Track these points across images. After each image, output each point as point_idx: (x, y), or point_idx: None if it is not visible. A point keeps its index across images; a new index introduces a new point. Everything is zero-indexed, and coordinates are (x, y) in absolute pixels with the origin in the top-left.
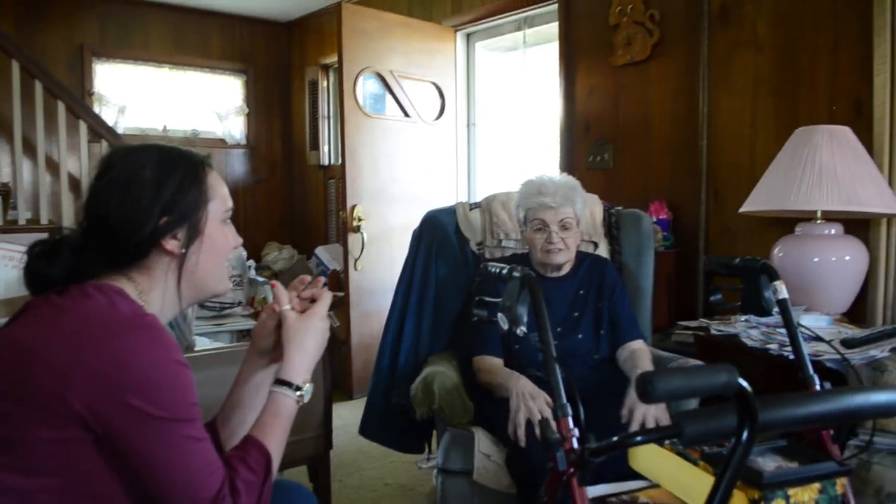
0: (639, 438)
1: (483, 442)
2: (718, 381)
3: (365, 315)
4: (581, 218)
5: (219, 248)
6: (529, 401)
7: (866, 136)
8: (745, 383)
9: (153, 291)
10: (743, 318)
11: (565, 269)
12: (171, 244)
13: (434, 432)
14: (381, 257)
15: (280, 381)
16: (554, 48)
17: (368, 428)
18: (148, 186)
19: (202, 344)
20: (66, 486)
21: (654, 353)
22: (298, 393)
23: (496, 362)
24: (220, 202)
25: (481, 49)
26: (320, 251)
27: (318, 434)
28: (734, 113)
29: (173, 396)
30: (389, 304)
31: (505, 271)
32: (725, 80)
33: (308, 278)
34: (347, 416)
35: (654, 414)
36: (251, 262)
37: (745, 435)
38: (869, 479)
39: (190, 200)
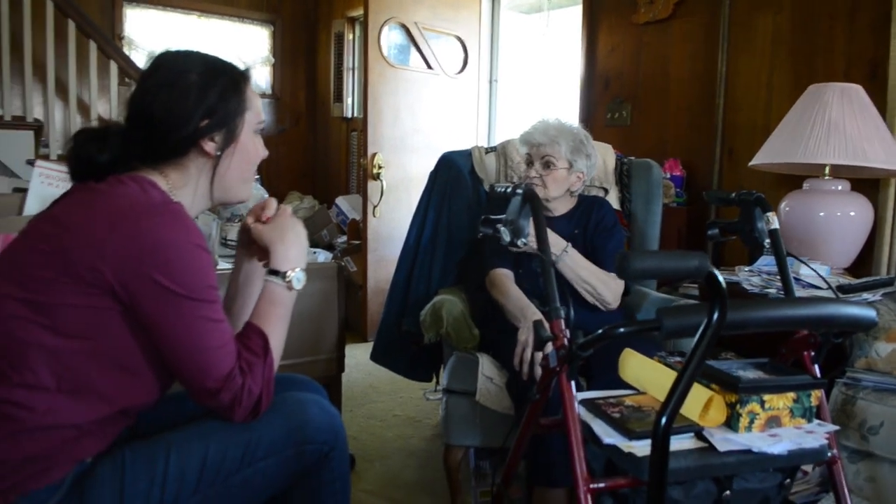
0: (622, 330)
1: (486, 366)
2: (690, 265)
3: (382, 260)
4: (574, 163)
5: (250, 155)
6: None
7: (880, 98)
8: (715, 270)
9: (185, 188)
10: (746, 268)
11: (559, 210)
12: (209, 146)
13: (441, 365)
14: (399, 205)
15: (271, 272)
16: (575, 11)
17: (379, 354)
18: (193, 89)
19: (222, 266)
20: (95, 351)
21: (656, 296)
22: (287, 279)
23: (507, 282)
24: (254, 113)
25: (505, 9)
26: (340, 201)
27: (331, 356)
28: (752, 73)
29: (193, 276)
30: None
31: (509, 189)
32: (745, 40)
33: (273, 201)
34: (362, 356)
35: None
36: None
37: (715, 314)
38: (854, 412)
39: (230, 107)
